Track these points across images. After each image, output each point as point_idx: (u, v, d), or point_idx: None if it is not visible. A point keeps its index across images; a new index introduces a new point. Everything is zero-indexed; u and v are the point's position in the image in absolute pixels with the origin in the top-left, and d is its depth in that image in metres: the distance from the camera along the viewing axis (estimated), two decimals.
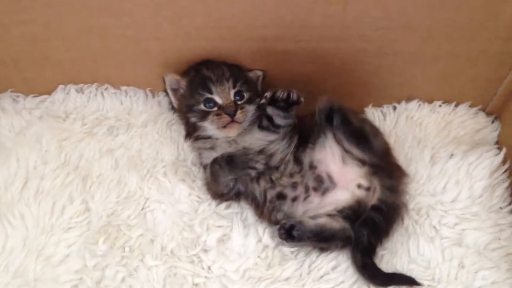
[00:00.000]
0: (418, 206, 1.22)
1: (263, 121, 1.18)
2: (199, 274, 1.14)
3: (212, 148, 1.22)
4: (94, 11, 1.16)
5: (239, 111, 1.17)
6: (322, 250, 1.16)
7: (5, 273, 1.11)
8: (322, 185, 1.16)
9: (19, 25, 1.20)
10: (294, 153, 1.18)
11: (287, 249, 1.18)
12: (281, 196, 1.16)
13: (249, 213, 1.23)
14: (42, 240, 1.16)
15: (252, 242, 1.18)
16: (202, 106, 1.19)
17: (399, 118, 1.37)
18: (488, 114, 1.38)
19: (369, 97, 1.39)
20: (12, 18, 1.19)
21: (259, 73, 1.26)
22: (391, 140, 1.33)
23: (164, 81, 1.24)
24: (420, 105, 1.38)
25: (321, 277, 1.14)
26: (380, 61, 1.25)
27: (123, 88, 1.38)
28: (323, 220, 1.13)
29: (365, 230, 1.12)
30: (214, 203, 1.23)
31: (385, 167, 1.17)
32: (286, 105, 1.12)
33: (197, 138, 1.24)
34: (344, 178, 1.16)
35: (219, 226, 1.20)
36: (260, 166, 1.15)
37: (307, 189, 1.16)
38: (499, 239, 1.17)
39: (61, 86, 1.37)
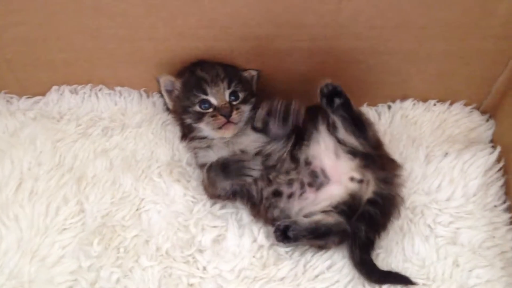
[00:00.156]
0: (413, 205, 1.22)
1: (256, 124, 1.18)
2: (194, 275, 1.14)
3: (208, 147, 1.21)
4: (88, 11, 1.15)
5: (234, 112, 1.17)
6: (320, 247, 1.16)
7: None
8: (317, 180, 1.16)
9: (12, 26, 1.20)
10: (290, 151, 1.18)
11: (282, 249, 1.17)
12: (277, 193, 1.16)
13: (244, 213, 1.23)
14: (37, 241, 1.15)
15: (247, 242, 1.17)
16: (197, 108, 1.19)
17: (394, 117, 1.38)
18: (483, 112, 1.38)
19: (364, 96, 1.38)
20: (5, 19, 1.19)
21: (254, 72, 1.26)
22: (386, 139, 1.33)
23: (158, 82, 1.24)
24: (414, 104, 1.38)
25: (316, 276, 1.14)
26: (375, 60, 1.25)
27: (118, 88, 1.38)
28: (317, 217, 1.13)
29: (362, 225, 1.12)
30: (209, 203, 1.23)
31: (377, 158, 1.17)
32: (284, 116, 1.14)
33: (193, 139, 1.24)
34: (337, 172, 1.16)
35: (214, 226, 1.20)
36: (256, 173, 1.14)
37: (302, 185, 1.16)
38: (494, 237, 1.18)
39: (55, 87, 1.37)
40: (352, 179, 1.16)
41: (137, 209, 1.22)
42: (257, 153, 1.18)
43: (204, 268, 1.15)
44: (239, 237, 1.18)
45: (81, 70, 1.33)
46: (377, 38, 1.19)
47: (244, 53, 1.23)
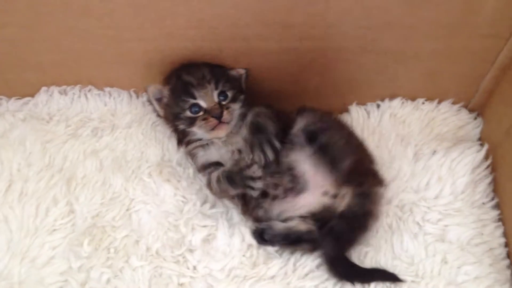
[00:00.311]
0: (401, 203, 1.23)
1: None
2: (185, 274, 1.14)
3: (207, 145, 1.22)
4: (75, 12, 1.15)
5: (225, 112, 1.17)
6: (295, 251, 1.17)
7: None
8: (297, 185, 1.16)
9: None
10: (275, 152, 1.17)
11: (271, 248, 1.18)
12: (264, 194, 1.17)
13: (234, 213, 1.24)
14: (27, 242, 1.15)
15: (237, 241, 1.18)
16: (188, 113, 1.19)
17: (383, 116, 1.38)
18: (471, 110, 1.39)
19: (353, 95, 1.39)
20: None
21: (242, 71, 1.26)
22: (375, 138, 1.34)
23: (146, 92, 1.25)
24: (403, 102, 1.39)
25: (306, 274, 1.15)
26: (363, 59, 1.26)
27: (107, 89, 1.37)
28: (292, 223, 1.14)
29: (329, 239, 1.12)
30: (199, 202, 1.23)
31: (356, 175, 1.15)
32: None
33: (189, 142, 1.25)
34: (315, 182, 1.16)
35: (204, 226, 1.20)
36: (258, 185, 1.13)
37: (285, 189, 1.16)
38: (482, 234, 1.18)
39: (44, 88, 1.37)
40: (325, 193, 1.15)
41: (127, 210, 1.22)
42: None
43: (194, 268, 1.16)
44: (229, 237, 1.19)
45: (70, 71, 1.32)
46: (364, 37, 1.19)
47: (233, 53, 1.23)
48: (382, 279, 1.13)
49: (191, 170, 1.29)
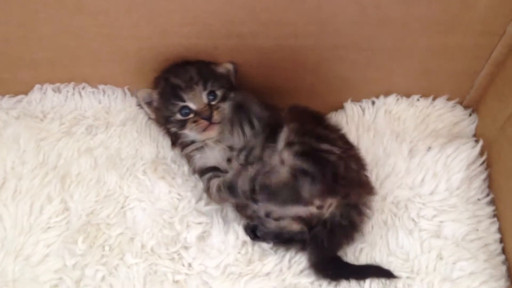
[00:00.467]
0: (397, 199, 1.24)
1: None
2: (180, 271, 1.14)
3: (202, 147, 1.22)
4: (70, 10, 1.14)
5: (215, 113, 1.17)
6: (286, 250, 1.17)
7: None
8: None
9: None
10: (261, 151, 1.17)
11: (266, 244, 1.18)
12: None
13: (229, 210, 1.24)
14: (21, 240, 1.15)
15: (232, 239, 1.18)
16: (178, 116, 1.19)
17: (378, 113, 1.38)
18: (466, 107, 1.39)
19: (348, 92, 1.39)
20: None
21: (229, 66, 1.24)
22: (370, 134, 1.34)
23: (136, 97, 1.26)
24: (398, 99, 1.39)
25: (301, 271, 1.15)
26: (357, 56, 1.26)
27: (101, 87, 1.37)
28: (284, 223, 1.14)
29: (311, 245, 1.12)
30: (194, 200, 1.23)
31: (341, 188, 1.11)
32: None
33: (182, 144, 1.25)
34: None
35: (199, 223, 1.20)
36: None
37: None
38: (477, 230, 1.19)
39: (37, 86, 1.36)
40: (311, 203, 1.12)
41: (122, 207, 1.22)
42: (243, 148, 1.18)
43: (190, 265, 1.16)
44: (224, 234, 1.19)
45: (63, 69, 1.32)
46: (358, 34, 1.19)
47: (228, 50, 1.23)
48: (376, 275, 1.13)
49: (185, 168, 1.29)
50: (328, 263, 1.13)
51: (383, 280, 1.13)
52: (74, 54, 1.26)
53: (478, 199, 1.24)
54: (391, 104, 1.38)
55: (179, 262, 1.16)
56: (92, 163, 1.27)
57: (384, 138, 1.33)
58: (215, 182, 1.18)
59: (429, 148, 1.29)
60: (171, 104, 1.19)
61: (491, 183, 1.26)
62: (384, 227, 1.20)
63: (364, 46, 1.23)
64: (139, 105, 1.30)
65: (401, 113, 1.38)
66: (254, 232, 1.17)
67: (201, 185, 1.25)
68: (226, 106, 1.19)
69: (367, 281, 1.12)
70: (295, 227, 1.13)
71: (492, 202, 1.24)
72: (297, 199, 1.08)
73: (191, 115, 1.18)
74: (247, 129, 1.14)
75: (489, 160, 1.27)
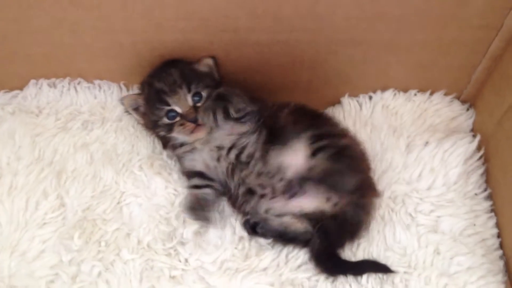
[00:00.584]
0: (394, 194, 1.23)
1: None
2: (176, 267, 1.14)
3: (192, 149, 1.21)
4: (64, 4, 1.14)
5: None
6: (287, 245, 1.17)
7: None
8: (291, 189, 1.14)
9: None
10: (262, 150, 1.16)
11: (263, 240, 1.18)
12: (251, 192, 1.16)
13: (226, 205, 1.23)
14: (17, 236, 1.15)
15: (229, 234, 1.18)
16: (165, 120, 1.18)
17: (375, 108, 1.37)
18: (463, 102, 1.38)
19: (345, 87, 1.38)
20: None
21: (209, 61, 1.23)
22: (367, 130, 1.33)
23: (122, 104, 1.26)
24: (395, 94, 1.38)
25: (299, 266, 1.15)
26: (354, 51, 1.25)
27: (97, 82, 1.36)
28: (288, 220, 1.14)
29: (317, 238, 1.12)
30: None
31: (359, 189, 1.15)
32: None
33: (173, 147, 1.24)
34: (316, 190, 1.13)
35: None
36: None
37: (274, 191, 1.15)
38: (474, 225, 1.18)
39: (33, 81, 1.36)
40: (328, 199, 1.13)
41: (118, 203, 1.21)
42: (232, 146, 1.18)
43: (186, 260, 1.15)
44: (220, 229, 1.19)
45: (59, 64, 1.31)
46: (355, 29, 1.18)
47: (223, 45, 1.22)
48: (373, 270, 1.12)
49: None
50: (328, 258, 1.13)
51: (380, 275, 1.13)
52: (69, 49, 1.26)
53: (476, 194, 1.23)
54: (388, 99, 1.38)
55: (176, 258, 1.15)
56: (88, 159, 1.27)
57: (382, 133, 1.33)
58: (192, 197, 1.20)
59: (427, 143, 1.28)
60: (157, 108, 1.18)
61: (488, 178, 1.26)
62: (381, 222, 1.20)
63: (360, 41, 1.22)
64: (126, 111, 1.30)
65: (398, 108, 1.37)
66: (254, 228, 1.16)
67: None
68: None
69: (364, 276, 1.12)
70: (300, 226, 1.13)
71: (490, 197, 1.23)
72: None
73: (178, 119, 1.18)
74: (219, 116, 1.13)
75: (487, 155, 1.27)
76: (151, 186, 1.23)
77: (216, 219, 1.19)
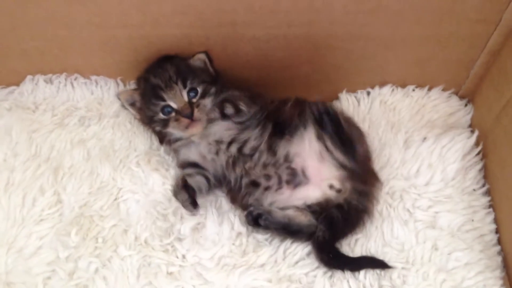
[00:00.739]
0: (392, 190, 1.23)
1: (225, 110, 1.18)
2: (174, 263, 1.14)
3: (188, 143, 1.21)
4: None
5: (195, 110, 1.16)
6: (284, 239, 1.17)
7: None
8: (295, 178, 1.15)
9: None
10: (268, 142, 1.17)
11: (261, 236, 1.18)
12: (255, 184, 1.16)
13: (223, 201, 1.23)
14: (13, 232, 1.14)
15: (227, 230, 1.18)
16: (161, 115, 1.19)
17: (373, 103, 1.37)
18: (461, 97, 1.38)
19: (343, 83, 1.38)
20: None
21: (202, 56, 1.23)
22: (366, 125, 1.33)
23: (119, 99, 1.26)
24: (393, 89, 1.38)
25: (296, 262, 1.15)
26: (352, 45, 1.25)
27: (93, 77, 1.36)
28: (291, 213, 1.13)
29: (322, 226, 1.12)
30: None
31: (361, 173, 1.16)
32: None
33: (169, 142, 1.24)
34: (318, 176, 1.15)
35: (193, 215, 1.19)
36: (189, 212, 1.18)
37: (280, 181, 1.15)
38: (472, 220, 1.18)
39: (29, 77, 1.35)
40: (331, 186, 1.15)
41: (115, 199, 1.21)
42: (232, 141, 1.18)
43: (184, 257, 1.15)
44: (218, 225, 1.18)
45: (55, 59, 1.30)
46: (352, 23, 1.18)
47: (220, 40, 1.22)
48: (371, 266, 1.12)
49: None
50: (330, 248, 1.13)
51: (377, 271, 1.12)
52: (64, 44, 1.25)
53: (474, 190, 1.23)
54: (386, 95, 1.38)
55: (173, 254, 1.15)
56: (85, 155, 1.27)
57: (379, 128, 1.32)
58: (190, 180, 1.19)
59: (425, 139, 1.28)
60: (153, 104, 1.19)
61: (486, 174, 1.26)
62: (379, 217, 1.20)
63: (358, 35, 1.22)
64: (122, 106, 1.29)
65: (396, 103, 1.37)
66: (256, 220, 1.14)
67: None
68: (207, 102, 1.19)
69: (362, 272, 1.12)
70: (303, 219, 1.13)
71: (488, 192, 1.24)
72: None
73: (173, 114, 1.18)
74: (228, 108, 1.16)
75: (485, 151, 1.27)
76: (148, 182, 1.23)
77: (213, 214, 1.19)
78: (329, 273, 1.13)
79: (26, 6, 1.15)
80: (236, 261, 1.14)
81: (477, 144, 1.27)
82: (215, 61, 1.24)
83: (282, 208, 1.15)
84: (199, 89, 1.18)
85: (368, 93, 1.39)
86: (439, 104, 1.37)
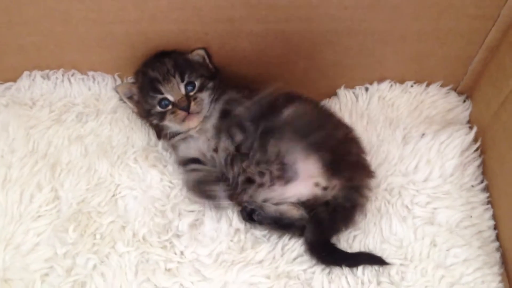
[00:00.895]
0: (390, 186, 1.23)
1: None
2: (172, 259, 1.13)
3: (188, 137, 1.21)
4: None
5: (192, 103, 1.17)
6: (281, 235, 1.17)
7: None
8: (286, 174, 1.14)
9: None
10: (260, 140, 1.16)
11: (259, 232, 1.17)
12: (250, 181, 1.16)
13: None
14: (11, 229, 1.14)
15: (225, 226, 1.17)
16: (158, 108, 1.19)
17: (371, 99, 1.37)
18: (460, 93, 1.38)
19: (341, 79, 1.38)
20: None
21: (201, 52, 1.23)
22: (364, 121, 1.33)
23: (117, 92, 1.27)
24: (392, 85, 1.38)
25: (295, 259, 1.14)
26: (350, 41, 1.24)
27: (91, 73, 1.35)
28: (284, 208, 1.13)
29: (310, 226, 1.12)
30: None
31: (348, 166, 1.15)
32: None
33: (167, 136, 1.24)
34: (306, 172, 1.14)
35: (191, 211, 1.19)
36: (222, 197, 1.15)
37: (272, 178, 1.15)
38: (471, 217, 1.18)
39: (26, 73, 1.34)
40: (317, 184, 1.14)
41: (113, 195, 1.21)
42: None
43: (182, 253, 1.15)
44: (216, 222, 1.18)
45: (52, 55, 1.30)
46: (351, 18, 1.18)
47: (218, 35, 1.21)
48: (368, 262, 1.12)
49: None
50: (323, 246, 1.13)
51: (376, 267, 1.12)
52: (61, 39, 1.25)
53: (472, 186, 1.23)
54: (385, 91, 1.37)
55: (171, 251, 1.15)
56: (83, 151, 1.26)
57: (378, 125, 1.32)
58: (191, 177, 1.19)
59: (423, 135, 1.28)
60: (150, 97, 1.19)
61: (485, 170, 1.26)
62: (377, 214, 1.19)
63: (356, 31, 1.22)
64: (121, 99, 1.30)
65: (395, 99, 1.37)
66: (251, 215, 1.15)
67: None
68: (204, 96, 1.19)
69: (360, 268, 1.12)
70: (295, 212, 1.13)
71: (486, 188, 1.24)
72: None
73: (170, 107, 1.18)
74: (237, 134, 1.16)
75: (483, 147, 1.27)
76: (146, 179, 1.23)
77: (211, 210, 1.19)
78: (328, 270, 1.12)
79: (23, 2, 1.15)
80: (234, 257, 1.14)
81: (475, 140, 1.27)
82: (213, 57, 1.24)
83: (277, 203, 1.14)
84: (197, 83, 1.19)
85: (367, 89, 1.39)
86: (438, 100, 1.36)
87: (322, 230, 1.12)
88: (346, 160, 1.15)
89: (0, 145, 1.24)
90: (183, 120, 1.17)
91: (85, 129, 1.30)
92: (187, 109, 1.16)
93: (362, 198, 1.17)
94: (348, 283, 1.10)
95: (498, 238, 1.18)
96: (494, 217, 1.20)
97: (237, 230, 1.17)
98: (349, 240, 1.17)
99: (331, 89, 1.40)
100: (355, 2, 1.14)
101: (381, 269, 1.12)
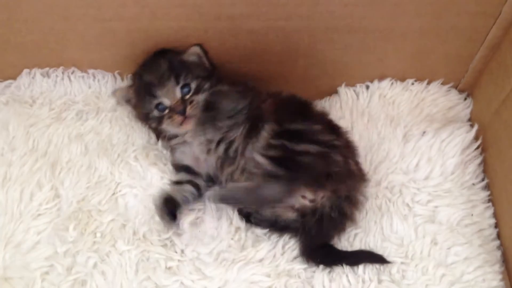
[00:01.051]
0: (391, 184, 1.23)
1: None
2: (172, 258, 1.13)
3: (184, 141, 1.21)
4: None
5: (188, 107, 1.15)
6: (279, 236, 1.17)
7: None
8: None
9: None
10: (243, 144, 1.15)
11: (260, 230, 1.17)
12: None
13: None
14: (11, 227, 1.14)
15: (225, 225, 1.17)
16: (155, 113, 1.18)
17: (372, 97, 1.37)
18: (461, 91, 1.38)
19: (342, 76, 1.37)
20: None
21: (197, 49, 1.20)
22: (365, 119, 1.33)
23: (114, 96, 1.26)
24: (392, 83, 1.37)
25: (295, 257, 1.14)
26: (351, 39, 1.24)
27: (91, 71, 1.35)
28: (279, 210, 1.13)
29: (299, 237, 1.13)
30: None
31: (331, 180, 1.10)
32: None
33: (168, 138, 1.24)
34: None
35: (192, 209, 1.19)
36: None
37: None
38: (472, 215, 1.18)
39: (26, 70, 1.34)
40: (303, 197, 1.11)
41: (113, 194, 1.21)
42: (221, 140, 1.17)
43: (182, 251, 1.15)
44: (217, 220, 1.18)
45: (52, 53, 1.29)
46: (351, 16, 1.17)
47: (218, 33, 1.21)
48: (369, 261, 1.12)
49: None
50: (317, 251, 1.12)
51: (377, 265, 1.12)
52: (61, 37, 1.24)
53: (473, 184, 1.23)
54: (386, 88, 1.37)
55: (172, 249, 1.15)
56: (83, 149, 1.26)
57: (379, 122, 1.32)
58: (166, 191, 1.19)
59: (424, 133, 1.28)
60: (147, 101, 1.18)
61: (486, 168, 1.25)
62: (378, 212, 1.19)
63: (357, 28, 1.21)
64: (119, 103, 1.29)
65: (396, 97, 1.36)
66: (248, 218, 1.17)
67: None
68: (200, 98, 1.17)
69: (361, 267, 1.12)
70: (291, 215, 1.12)
71: (487, 187, 1.23)
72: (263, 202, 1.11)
73: (167, 111, 1.17)
74: (208, 130, 1.17)
75: (484, 145, 1.26)
76: (146, 177, 1.22)
77: (212, 209, 1.19)
78: (328, 268, 1.12)
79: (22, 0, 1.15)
80: (235, 256, 1.14)
81: (476, 138, 1.27)
82: (213, 55, 1.22)
83: (273, 207, 1.14)
84: (193, 85, 1.17)
85: (367, 87, 1.39)
86: (439, 98, 1.36)
87: (310, 240, 1.12)
88: (330, 173, 1.10)
89: (0, 143, 1.24)
90: (181, 124, 1.16)
91: (85, 127, 1.30)
92: (183, 113, 1.14)
93: (352, 206, 1.15)
94: (349, 281, 1.10)
95: (499, 236, 1.18)
96: (495, 215, 1.20)
97: (238, 228, 1.17)
98: (350, 239, 1.17)
99: (332, 87, 1.39)
100: None
101: (382, 267, 1.12)
